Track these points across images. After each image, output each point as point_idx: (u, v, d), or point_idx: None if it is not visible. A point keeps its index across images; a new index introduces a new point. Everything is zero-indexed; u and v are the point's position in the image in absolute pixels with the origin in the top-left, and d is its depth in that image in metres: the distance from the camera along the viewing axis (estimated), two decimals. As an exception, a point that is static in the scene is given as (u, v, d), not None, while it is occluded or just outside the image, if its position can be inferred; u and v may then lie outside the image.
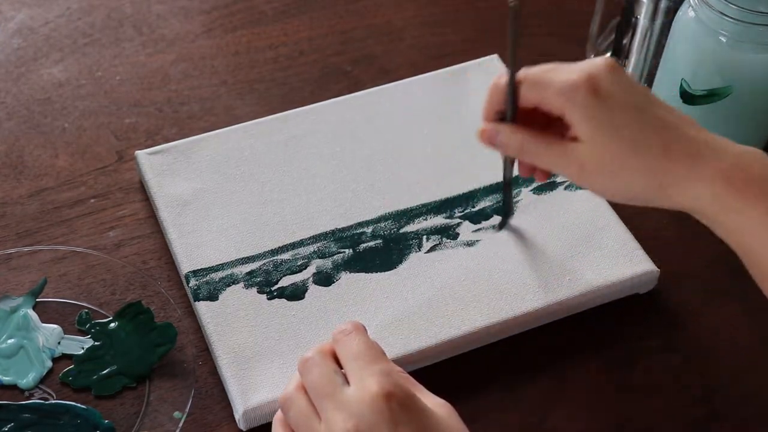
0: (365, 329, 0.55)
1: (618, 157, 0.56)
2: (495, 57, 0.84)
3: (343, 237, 0.71)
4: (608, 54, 0.85)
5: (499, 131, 0.62)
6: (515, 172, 0.67)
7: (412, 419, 0.49)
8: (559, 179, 0.75)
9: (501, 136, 0.62)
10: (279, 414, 0.54)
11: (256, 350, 0.64)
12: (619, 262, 0.70)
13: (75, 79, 0.84)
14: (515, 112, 0.61)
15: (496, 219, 0.72)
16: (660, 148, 0.56)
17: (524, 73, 0.60)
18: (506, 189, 0.70)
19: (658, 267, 0.70)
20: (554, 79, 0.58)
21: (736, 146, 0.57)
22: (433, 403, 0.52)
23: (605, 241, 0.71)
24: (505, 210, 0.71)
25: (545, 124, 0.61)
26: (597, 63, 0.58)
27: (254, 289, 0.68)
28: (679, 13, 0.74)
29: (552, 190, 0.74)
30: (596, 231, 0.72)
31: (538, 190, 0.74)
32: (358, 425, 0.49)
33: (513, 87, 0.60)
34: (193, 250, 0.70)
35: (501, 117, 0.62)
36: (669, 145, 0.56)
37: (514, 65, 0.60)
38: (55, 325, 0.66)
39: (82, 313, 0.67)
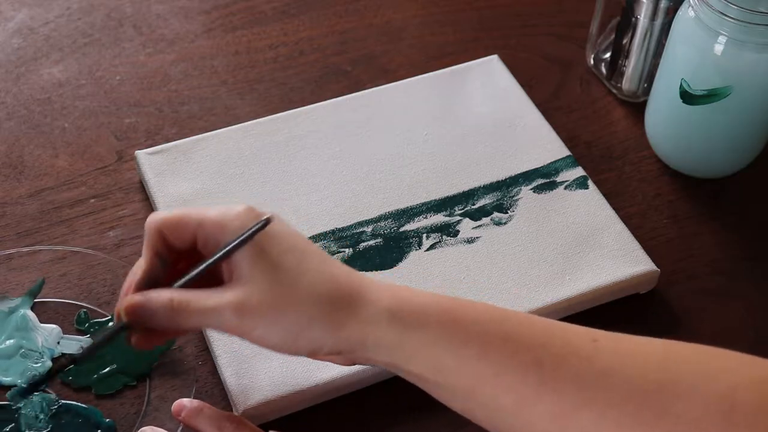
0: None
1: (279, 289, 0.51)
2: (495, 57, 0.84)
3: (343, 236, 0.71)
4: (607, 55, 0.85)
5: (153, 299, 0.53)
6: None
7: None
8: (559, 179, 0.75)
9: (150, 302, 0.53)
10: None
11: (255, 350, 0.64)
12: (619, 262, 0.70)
13: (75, 79, 0.84)
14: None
15: (497, 215, 0.72)
16: (323, 277, 0.52)
17: (160, 216, 0.54)
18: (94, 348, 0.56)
19: (658, 267, 0.70)
20: (207, 213, 0.53)
21: (377, 281, 0.54)
22: None
23: (605, 240, 0.71)
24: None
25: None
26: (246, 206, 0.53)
27: (254, 289, 0.68)
28: (679, 13, 0.74)
29: (552, 190, 0.74)
30: (596, 231, 0.72)
31: (539, 190, 0.74)
32: None
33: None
34: (193, 249, 0.70)
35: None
36: (332, 277, 0.52)
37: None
38: (53, 325, 0.66)
39: (81, 312, 0.67)
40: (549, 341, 0.51)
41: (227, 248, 0.52)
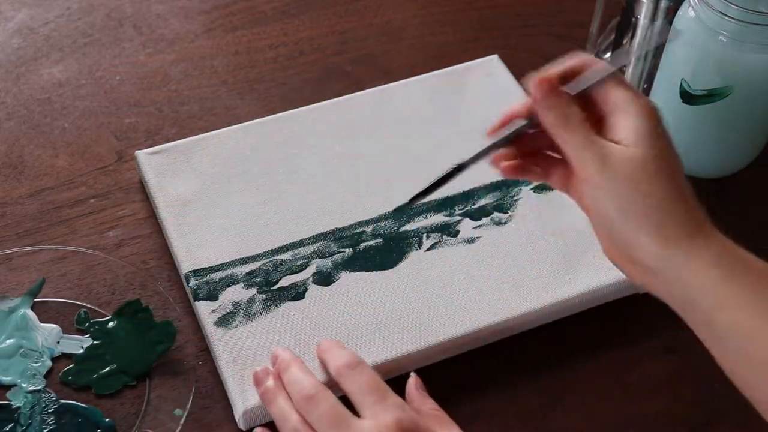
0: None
1: (644, 182, 0.52)
2: (495, 57, 0.84)
3: (343, 236, 0.71)
4: (607, 55, 0.85)
5: (560, 91, 0.55)
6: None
7: None
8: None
9: (556, 95, 0.55)
10: None
11: (256, 350, 0.64)
12: (619, 261, 0.70)
13: (75, 79, 0.84)
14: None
15: (497, 215, 0.72)
16: (678, 192, 0.53)
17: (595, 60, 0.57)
18: (459, 169, 0.61)
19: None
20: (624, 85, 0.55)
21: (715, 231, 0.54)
22: None
23: (605, 240, 0.71)
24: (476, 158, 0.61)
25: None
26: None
27: (254, 289, 0.68)
28: (679, 13, 0.74)
29: (552, 190, 0.74)
30: (596, 231, 0.71)
31: (538, 190, 0.74)
32: None
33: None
34: (193, 250, 0.70)
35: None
36: (688, 198, 0.53)
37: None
38: (53, 325, 0.66)
39: (81, 312, 0.67)
40: None
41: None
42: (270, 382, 0.61)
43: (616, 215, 0.52)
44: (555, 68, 0.57)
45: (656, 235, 0.52)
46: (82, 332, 0.66)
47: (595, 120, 0.55)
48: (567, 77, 0.57)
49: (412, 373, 0.63)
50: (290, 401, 0.59)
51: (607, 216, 0.53)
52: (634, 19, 0.80)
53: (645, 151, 0.52)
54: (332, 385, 0.60)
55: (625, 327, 0.70)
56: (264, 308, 0.67)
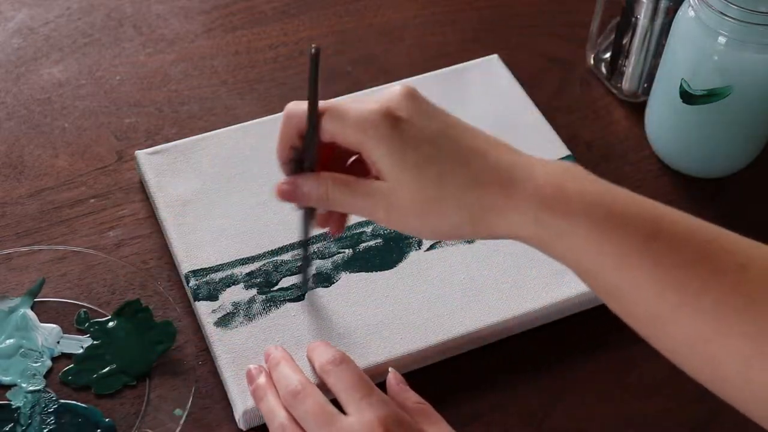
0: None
1: (424, 194, 0.52)
2: (495, 57, 0.84)
3: (343, 236, 0.71)
4: (607, 55, 0.85)
5: (301, 183, 0.56)
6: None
7: None
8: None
9: (304, 187, 0.56)
10: None
11: (256, 350, 0.64)
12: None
13: (75, 79, 0.84)
14: (315, 153, 0.56)
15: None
16: (467, 178, 0.52)
17: (323, 105, 0.55)
18: (305, 248, 0.65)
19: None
20: (351, 112, 0.54)
21: (548, 164, 0.53)
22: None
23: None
24: (304, 271, 0.67)
25: (343, 163, 0.58)
26: (393, 92, 0.54)
27: (254, 290, 0.68)
28: (679, 13, 0.74)
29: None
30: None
31: (538, 190, 0.74)
32: None
33: (314, 124, 0.55)
34: (193, 250, 0.70)
35: (297, 157, 0.57)
36: (477, 175, 0.52)
37: (314, 101, 0.55)
38: (53, 325, 0.66)
39: (81, 312, 0.67)
40: (699, 261, 0.49)
41: (310, 102, 0.55)
42: (261, 379, 0.61)
43: (431, 233, 0.55)
44: (279, 144, 0.58)
45: (468, 233, 0.53)
46: (82, 332, 0.66)
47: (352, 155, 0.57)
48: (292, 139, 0.57)
49: (390, 369, 0.62)
50: (279, 398, 0.59)
51: (424, 235, 0.56)
52: (634, 19, 0.80)
53: (405, 176, 0.52)
54: (323, 384, 0.60)
55: (625, 327, 0.69)
56: (264, 309, 0.67)
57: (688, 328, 0.48)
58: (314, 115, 0.55)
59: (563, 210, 0.50)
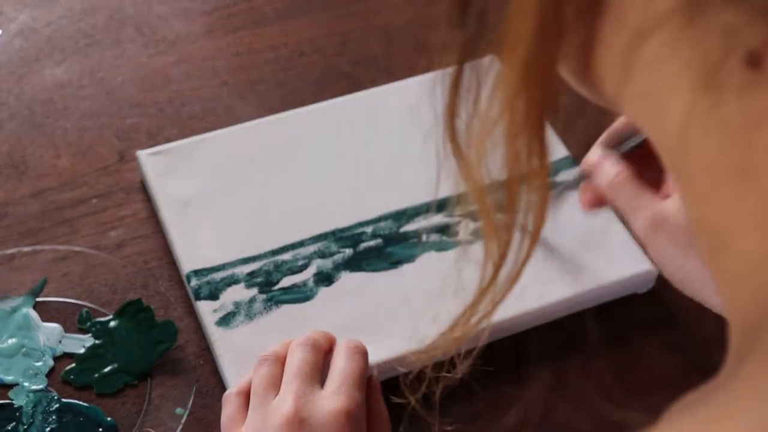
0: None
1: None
2: (494, 57, 0.84)
3: (344, 237, 0.71)
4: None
5: (608, 158, 0.59)
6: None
7: None
8: (558, 179, 0.75)
9: (608, 163, 0.59)
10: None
11: (257, 350, 0.64)
12: (617, 261, 0.70)
13: (77, 79, 0.84)
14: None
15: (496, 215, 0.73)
16: None
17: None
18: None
19: (655, 267, 0.70)
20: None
21: None
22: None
23: (604, 240, 0.71)
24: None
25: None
26: None
27: (255, 289, 0.68)
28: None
29: (551, 190, 0.74)
30: (594, 231, 0.72)
31: (538, 190, 0.74)
32: None
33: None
34: (194, 250, 0.70)
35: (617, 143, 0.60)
36: None
37: None
38: (55, 324, 0.67)
39: (83, 311, 0.67)
40: None
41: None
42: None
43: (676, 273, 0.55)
44: (605, 135, 0.60)
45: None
46: (83, 332, 0.67)
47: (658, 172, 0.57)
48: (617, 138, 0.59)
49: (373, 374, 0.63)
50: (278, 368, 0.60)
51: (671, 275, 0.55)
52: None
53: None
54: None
55: (623, 327, 0.70)
56: (265, 308, 0.67)
57: None
58: None
59: None
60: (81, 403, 0.63)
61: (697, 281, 0.53)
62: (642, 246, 0.60)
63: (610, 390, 0.66)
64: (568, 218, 0.72)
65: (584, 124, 0.85)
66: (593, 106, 0.85)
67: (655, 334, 0.69)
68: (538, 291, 0.68)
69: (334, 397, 0.57)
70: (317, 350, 0.60)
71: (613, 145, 0.60)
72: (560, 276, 0.69)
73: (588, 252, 0.70)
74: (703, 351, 0.69)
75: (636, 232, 0.56)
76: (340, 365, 0.59)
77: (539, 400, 0.65)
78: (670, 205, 0.54)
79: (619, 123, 0.59)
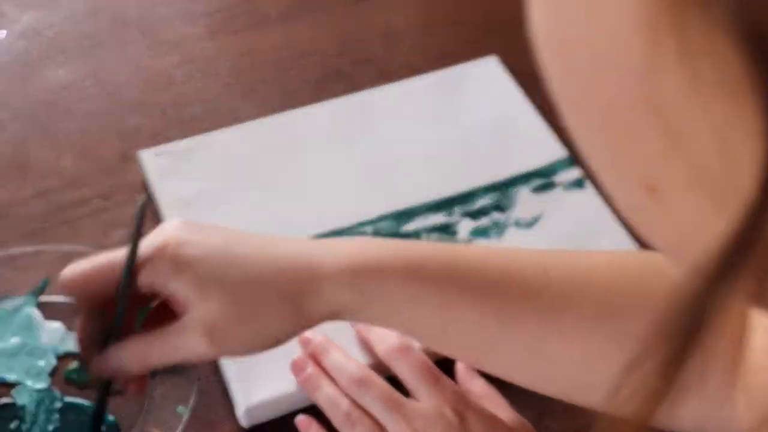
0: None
1: (240, 303, 0.50)
2: (493, 58, 0.84)
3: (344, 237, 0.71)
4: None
5: (118, 356, 0.53)
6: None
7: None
8: (557, 179, 0.75)
9: (120, 359, 0.53)
10: None
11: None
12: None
13: (80, 81, 0.85)
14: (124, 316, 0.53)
15: (495, 216, 0.73)
16: (274, 268, 0.51)
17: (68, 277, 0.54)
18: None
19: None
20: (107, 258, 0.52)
21: (337, 241, 0.55)
22: (510, 419, 0.58)
23: (602, 240, 0.71)
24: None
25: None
26: (164, 229, 0.53)
27: (256, 288, 0.68)
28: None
29: (551, 190, 0.75)
30: (593, 231, 0.72)
31: (537, 190, 0.75)
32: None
33: (126, 286, 0.52)
34: (195, 249, 0.70)
35: (100, 329, 0.54)
36: (279, 262, 0.51)
37: (133, 256, 0.52)
38: (58, 324, 0.67)
39: (86, 311, 0.68)
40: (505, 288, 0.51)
41: (129, 255, 0.51)
42: (310, 369, 0.61)
43: (261, 343, 0.53)
44: (82, 327, 0.54)
45: (295, 321, 0.52)
46: (86, 331, 0.67)
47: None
48: (93, 322, 0.54)
49: None
50: (336, 387, 0.60)
51: (256, 348, 0.53)
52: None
53: (216, 294, 0.50)
54: (379, 369, 0.61)
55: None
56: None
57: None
58: (129, 271, 0.52)
59: (375, 269, 0.51)
60: (83, 402, 0.63)
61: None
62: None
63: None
64: (566, 218, 0.73)
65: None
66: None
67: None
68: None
69: (430, 401, 0.57)
70: (370, 373, 0.59)
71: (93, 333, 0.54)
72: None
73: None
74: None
75: None
76: (407, 373, 0.59)
77: (536, 399, 0.66)
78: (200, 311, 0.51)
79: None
